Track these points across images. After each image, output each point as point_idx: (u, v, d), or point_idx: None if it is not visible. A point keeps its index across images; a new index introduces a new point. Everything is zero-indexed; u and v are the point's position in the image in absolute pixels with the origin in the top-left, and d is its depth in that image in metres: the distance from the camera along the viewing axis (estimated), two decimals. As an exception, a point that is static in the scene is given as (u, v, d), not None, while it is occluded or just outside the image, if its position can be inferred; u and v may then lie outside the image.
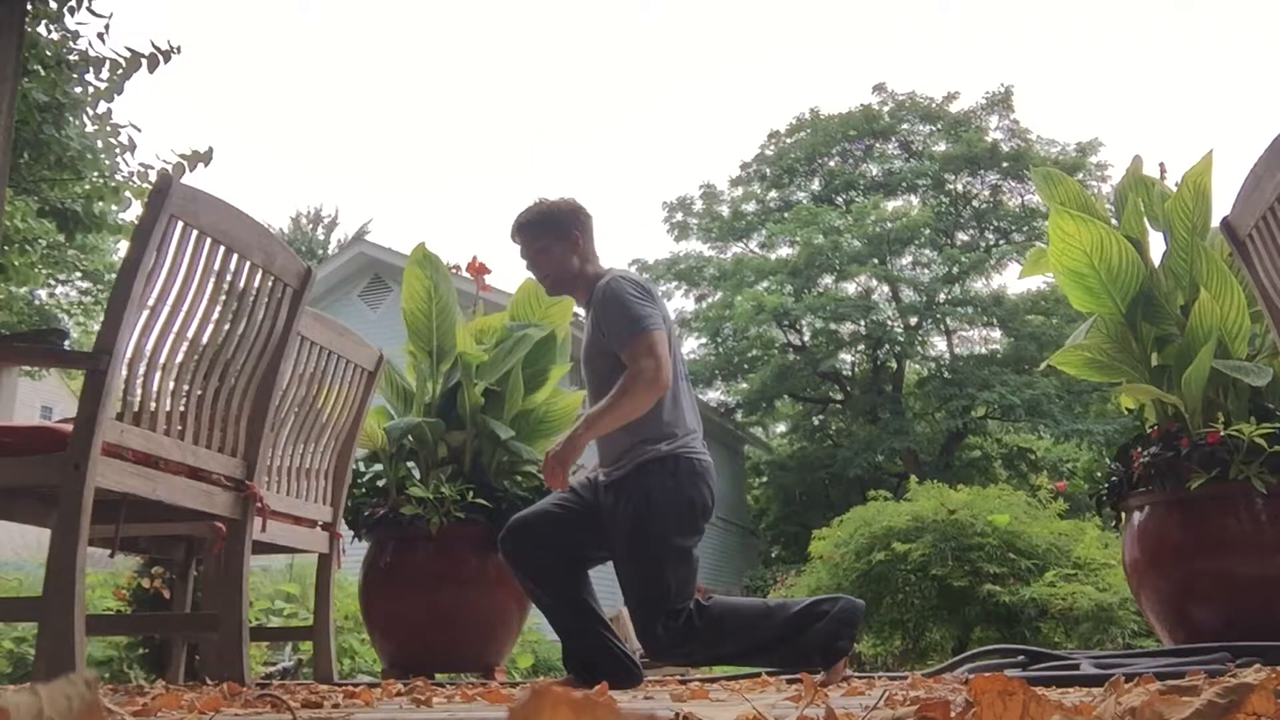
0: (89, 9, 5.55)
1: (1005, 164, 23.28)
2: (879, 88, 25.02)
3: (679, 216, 24.80)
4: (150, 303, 2.18)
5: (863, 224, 22.32)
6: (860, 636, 7.61)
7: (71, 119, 5.85)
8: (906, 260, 23.55)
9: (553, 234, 2.82)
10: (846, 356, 24.22)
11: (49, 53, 5.61)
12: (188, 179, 4.72)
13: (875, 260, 22.14)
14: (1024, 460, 22.74)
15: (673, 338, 2.75)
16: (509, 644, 3.93)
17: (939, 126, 24.43)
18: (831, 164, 24.67)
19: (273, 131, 60.09)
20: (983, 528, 7.19)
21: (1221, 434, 3.02)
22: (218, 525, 2.57)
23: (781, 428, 26.54)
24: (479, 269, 4.48)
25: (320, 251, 31.25)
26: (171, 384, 2.30)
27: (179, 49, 5.65)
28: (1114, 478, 3.38)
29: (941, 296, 22.67)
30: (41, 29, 5.55)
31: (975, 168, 23.65)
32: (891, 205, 23.48)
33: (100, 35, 5.66)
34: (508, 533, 2.77)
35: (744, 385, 23.77)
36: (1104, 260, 3.27)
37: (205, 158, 5.78)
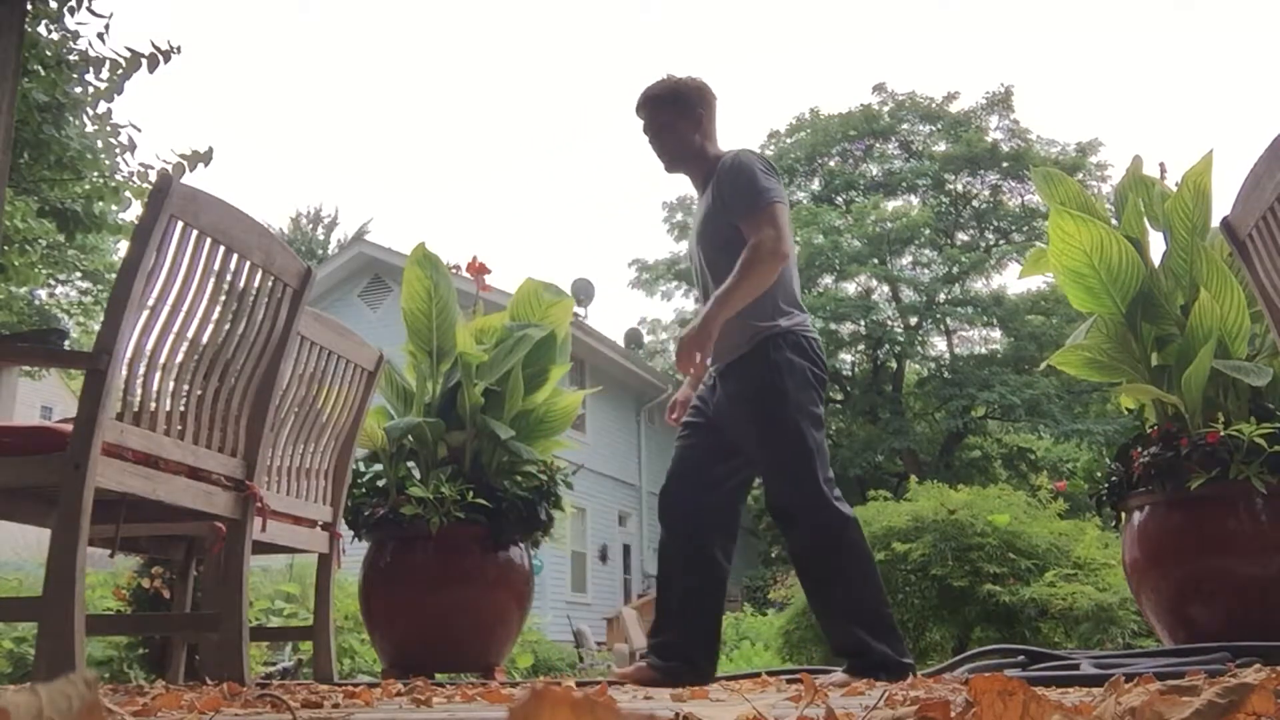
0: (89, 9, 5.55)
1: (1005, 164, 23.29)
2: (879, 88, 25.05)
3: (679, 216, 24.81)
4: (150, 303, 2.18)
5: (863, 224, 22.33)
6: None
7: (71, 119, 5.85)
8: (906, 260, 23.57)
9: (679, 109, 2.84)
10: (846, 356, 24.24)
11: (49, 53, 5.61)
12: (188, 179, 4.72)
13: (875, 260, 22.15)
14: (1024, 460, 22.75)
15: (788, 217, 2.76)
16: (509, 644, 3.93)
17: (939, 126, 24.44)
18: (831, 164, 24.68)
19: (273, 131, 60.10)
20: (983, 528, 7.18)
21: (1221, 434, 3.01)
22: (218, 525, 2.57)
23: (781, 428, 26.51)
24: (479, 269, 4.48)
25: (320, 251, 31.25)
26: (171, 384, 2.30)
27: (179, 49, 5.65)
28: (1114, 478, 3.38)
29: (941, 296, 22.68)
30: (41, 29, 5.55)
31: (975, 168, 23.66)
32: (891, 205, 23.50)
33: (100, 35, 5.67)
34: (663, 493, 2.79)
35: (744, 385, 23.73)
36: (1104, 260, 3.27)
37: (205, 158, 5.78)
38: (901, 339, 22.48)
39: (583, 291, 19.49)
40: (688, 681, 2.50)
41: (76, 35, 5.69)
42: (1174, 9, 51.27)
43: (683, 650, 2.68)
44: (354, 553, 3.80)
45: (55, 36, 5.66)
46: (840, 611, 2.61)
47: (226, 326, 2.42)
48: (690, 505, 2.76)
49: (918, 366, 24.30)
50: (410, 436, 3.88)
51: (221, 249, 2.33)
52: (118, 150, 6.13)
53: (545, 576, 14.78)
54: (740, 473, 2.81)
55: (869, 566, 2.62)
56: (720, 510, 2.78)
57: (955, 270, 22.66)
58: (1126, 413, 3.68)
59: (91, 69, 5.73)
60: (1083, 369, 3.47)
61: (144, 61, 5.62)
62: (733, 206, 2.68)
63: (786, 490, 2.62)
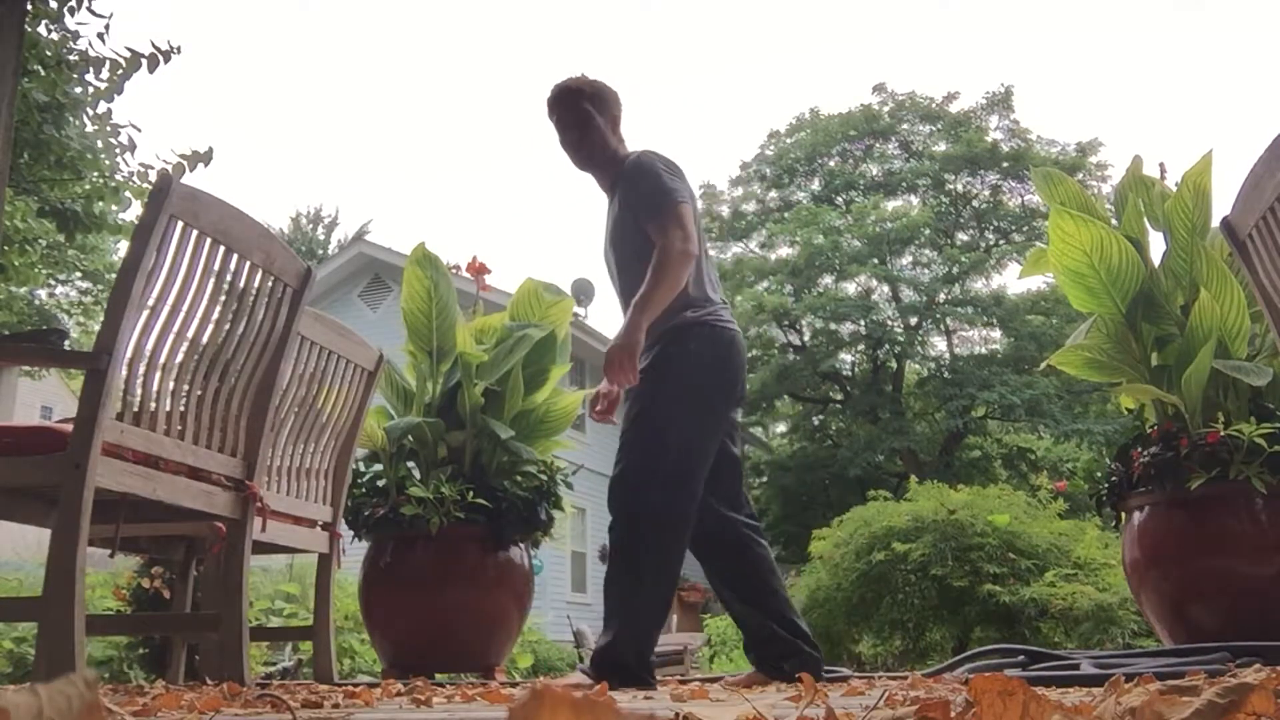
0: (89, 9, 5.55)
1: (1005, 164, 23.29)
2: (879, 88, 25.05)
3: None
4: (150, 303, 2.18)
5: (863, 224, 22.33)
6: (860, 637, 7.61)
7: (71, 119, 5.85)
8: (906, 260, 23.57)
9: (598, 106, 2.79)
10: (846, 356, 24.24)
11: (49, 53, 5.61)
12: (188, 179, 4.73)
13: (875, 260, 22.15)
14: (1024, 460, 22.75)
15: (696, 214, 2.73)
16: (509, 644, 3.93)
17: (939, 126, 24.44)
18: (831, 164, 24.68)
19: (273, 131, 60.11)
20: (983, 528, 7.19)
21: (1221, 434, 3.01)
22: (218, 525, 2.57)
23: (781, 428, 26.55)
24: (479, 269, 4.48)
25: (320, 251, 31.25)
26: (171, 384, 2.30)
27: (179, 49, 5.65)
28: (1114, 478, 3.38)
29: (941, 296, 22.68)
30: (41, 29, 5.55)
31: (975, 168, 23.66)
32: (891, 205, 23.50)
33: (100, 35, 5.67)
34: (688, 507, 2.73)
35: (744, 385, 23.72)
36: (1104, 260, 3.27)
37: (205, 158, 5.78)
38: (901, 339, 22.48)
39: (583, 291, 19.48)
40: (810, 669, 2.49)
41: (76, 35, 5.70)
42: (1174, 9, 51.28)
43: (777, 646, 2.66)
44: (354, 553, 3.80)
45: (55, 36, 5.66)
46: (612, 604, 2.57)
47: (226, 326, 2.42)
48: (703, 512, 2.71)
49: (918, 366, 24.30)
50: (410, 436, 3.88)
51: (222, 249, 2.33)
52: (118, 150, 6.13)
53: (545, 576, 14.77)
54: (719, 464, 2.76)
55: (659, 585, 2.56)
56: (722, 506, 2.75)
57: (955, 270, 22.66)
58: (1126, 413, 3.68)
59: (91, 69, 5.73)
60: (1083, 369, 3.47)
61: (144, 61, 5.62)
62: (637, 210, 2.65)
63: (630, 468, 2.58)
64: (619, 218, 2.73)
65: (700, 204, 23.80)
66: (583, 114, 2.77)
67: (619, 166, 2.78)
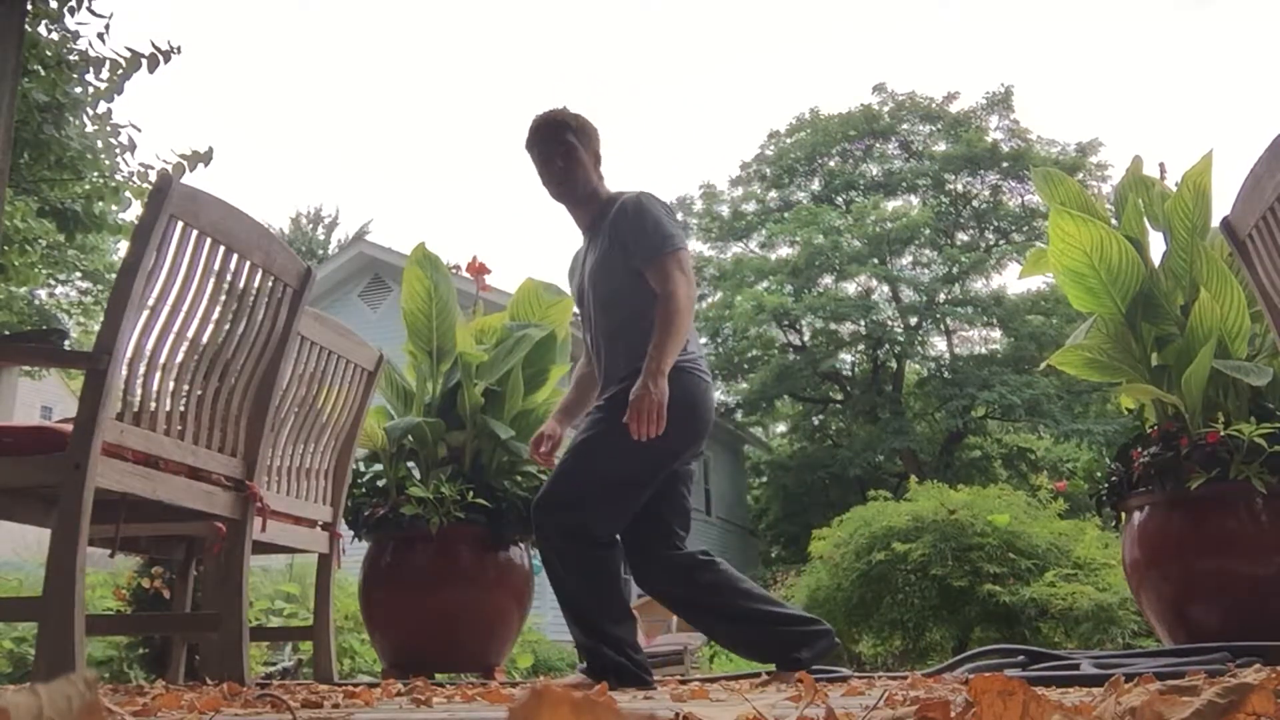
0: (89, 9, 5.55)
1: (1005, 164, 23.30)
2: (879, 88, 25.06)
3: (679, 216, 24.75)
4: (150, 303, 2.18)
5: (863, 224, 22.34)
6: (860, 637, 7.61)
7: (71, 119, 5.85)
8: (906, 260, 23.58)
9: (582, 139, 2.77)
10: (846, 356, 24.25)
11: (49, 53, 5.61)
12: (188, 179, 4.72)
13: (875, 260, 22.16)
14: (1024, 460, 22.76)
15: None
16: (509, 644, 3.93)
17: (939, 126, 24.45)
18: (831, 164, 24.69)
19: (273, 131, 60.11)
20: (983, 528, 7.19)
21: (1221, 434, 3.01)
22: (218, 525, 2.57)
23: (781, 428, 26.56)
24: (479, 269, 4.48)
25: (320, 251, 31.25)
26: (171, 384, 2.30)
27: (179, 49, 5.65)
28: (1114, 478, 3.38)
29: (941, 296, 22.68)
30: (41, 29, 5.55)
31: (975, 168, 23.67)
32: (891, 205, 23.51)
33: (100, 35, 5.66)
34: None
35: (744, 385, 23.79)
36: (1104, 260, 3.27)
37: (205, 158, 5.78)
38: (901, 339, 22.49)
39: (583, 291, 19.40)
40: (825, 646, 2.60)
41: (76, 35, 5.69)
42: (1174, 9, 51.31)
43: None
44: (354, 553, 3.80)
45: (55, 36, 5.65)
46: (575, 624, 2.61)
47: (226, 326, 2.42)
48: (640, 551, 2.75)
49: (918, 366, 24.31)
50: (410, 436, 3.88)
51: (221, 249, 2.33)
52: (118, 150, 6.13)
53: (545, 576, 14.75)
54: (669, 503, 2.78)
55: (600, 592, 2.59)
56: (658, 532, 2.76)
57: (955, 270, 22.67)
58: (1126, 413, 3.69)
59: (91, 69, 5.73)
60: (1083, 369, 3.47)
61: (144, 61, 5.62)
62: (635, 252, 2.63)
63: (558, 489, 2.59)
64: (606, 255, 2.70)
65: (700, 204, 23.60)
66: (568, 145, 2.74)
67: (602, 204, 2.77)
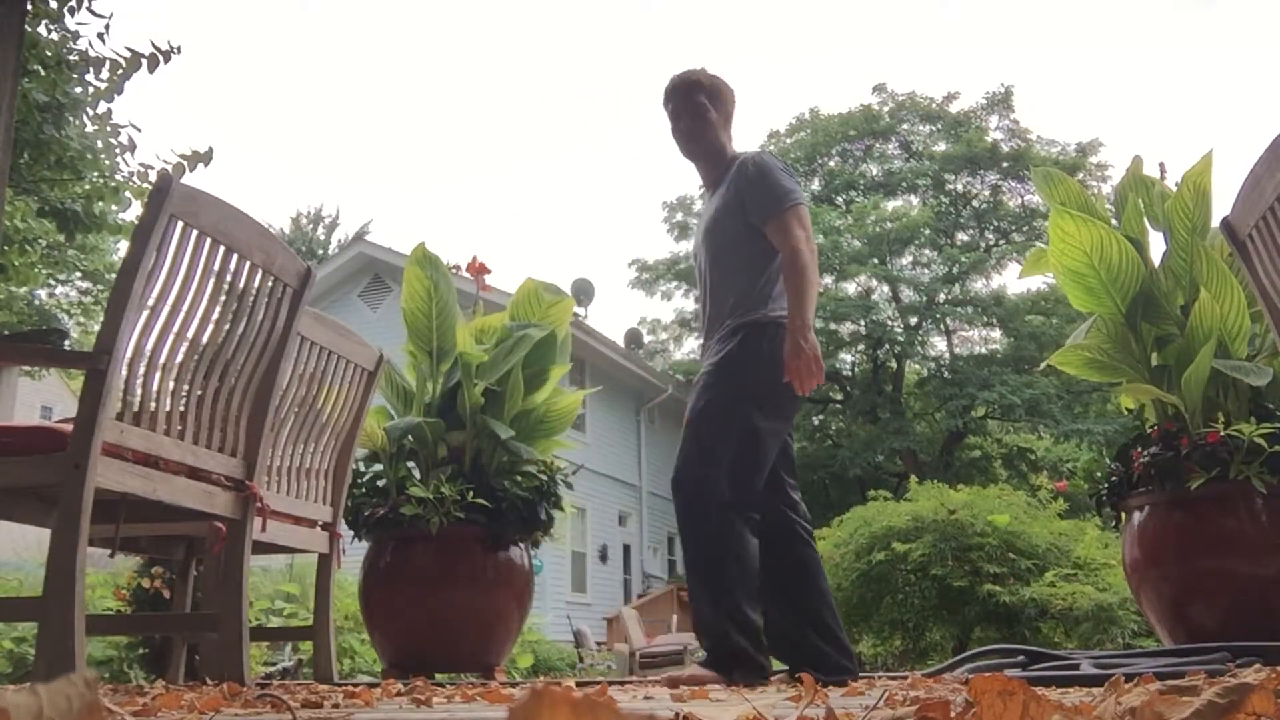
0: (89, 9, 5.55)
1: (1005, 164, 23.30)
2: (879, 88, 25.06)
3: (679, 216, 24.81)
4: (150, 303, 2.18)
5: (863, 224, 22.34)
6: (860, 637, 7.61)
7: (71, 119, 5.85)
8: (906, 260, 23.58)
9: (714, 99, 2.88)
10: (846, 356, 24.25)
11: (49, 53, 5.61)
12: (188, 179, 4.72)
13: (875, 260, 22.16)
14: (1024, 460, 22.76)
15: None
16: (509, 644, 3.93)
17: (939, 126, 24.45)
18: (831, 164, 24.68)
19: (273, 131, 60.10)
20: (983, 528, 7.19)
21: (1221, 434, 3.01)
22: (218, 525, 2.57)
23: (781, 427, 26.50)
24: (479, 269, 4.48)
25: (320, 251, 31.25)
26: (171, 384, 2.30)
27: (179, 49, 5.65)
28: (1114, 478, 3.38)
29: (941, 296, 22.68)
30: (41, 29, 5.55)
31: (975, 168, 23.67)
32: (891, 205, 23.51)
33: (100, 35, 5.66)
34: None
35: (744, 385, 23.72)
36: (1104, 260, 3.27)
37: (205, 158, 5.78)
38: (901, 339, 22.49)
39: (583, 291, 19.47)
40: (844, 674, 2.55)
41: (76, 35, 5.69)
42: (1175, 9, 51.31)
43: (806, 650, 2.67)
44: (354, 553, 3.80)
45: (55, 36, 5.65)
46: (708, 598, 2.58)
47: (226, 326, 2.42)
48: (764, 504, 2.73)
49: (918, 366, 24.31)
50: (410, 436, 3.88)
51: (221, 249, 2.33)
52: (118, 150, 6.13)
53: (545, 576, 14.78)
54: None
55: (741, 559, 2.58)
56: (777, 503, 2.75)
57: (955, 270, 22.67)
58: (1126, 413, 3.68)
59: (91, 69, 5.73)
60: (1083, 369, 3.47)
61: (144, 61, 5.62)
62: (754, 209, 2.71)
63: (691, 458, 2.61)
64: (723, 210, 2.79)
65: (700, 204, 23.69)
66: (698, 105, 2.86)
67: (727, 161, 2.85)
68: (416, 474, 3.92)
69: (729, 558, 2.56)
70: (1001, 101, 24.02)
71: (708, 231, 2.86)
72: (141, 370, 2.19)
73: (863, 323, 22.52)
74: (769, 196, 2.68)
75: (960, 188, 24.23)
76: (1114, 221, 3.50)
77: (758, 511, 2.62)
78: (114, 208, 6.39)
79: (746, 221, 2.71)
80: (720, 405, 2.63)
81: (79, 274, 10.52)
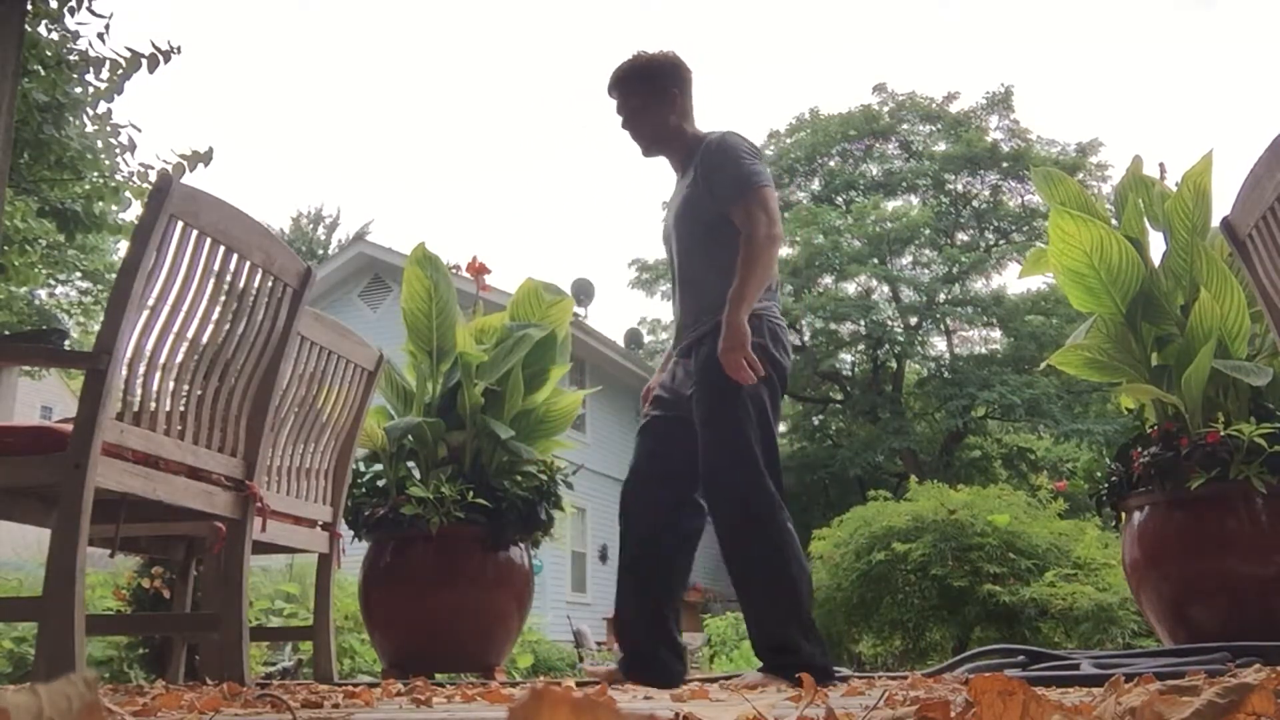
0: (89, 9, 5.55)
1: (1005, 164, 23.29)
2: (879, 88, 25.05)
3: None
4: (150, 303, 2.18)
5: (863, 224, 22.34)
6: (860, 637, 7.61)
7: (71, 119, 5.85)
8: (906, 260, 23.57)
9: (652, 89, 2.72)
10: (846, 356, 24.25)
11: (49, 53, 5.61)
12: (188, 179, 4.72)
13: (875, 260, 22.15)
14: (1024, 460, 22.76)
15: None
16: (509, 644, 3.93)
17: (939, 126, 24.44)
18: (831, 164, 24.68)
19: (273, 131, 60.10)
20: (983, 528, 7.19)
21: (1221, 434, 3.01)
22: (218, 525, 2.57)
23: (781, 428, 26.51)
24: (479, 269, 4.48)
25: (320, 251, 31.25)
26: (171, 384, 2.30)
27: (179, 49, 5.65)
28: (1114, 478, 3.38)
29: (941, 296, 22.68)
30: (41, 29, 5.55)
31: (975, 168, 23.66)
32: (891, 205, 23.50)
33: (100, 35, 5.67)
34: (623, 491, 2.74)
35: (744, 385, 23.72)
36: (1104, 260, 3.27)
37: (205, 158, 5.78)
38: (901, 339, 22.49)
39: (583, 291, 19.46)
40: (662, 685, 2.46)
41: (76, 35, 5.69)
42: (1175, 9, 51.32)
43: (650, 656, 2.64)
44: (354, 553, 3.80)
45: (55, 36, 5.65)
46: (768, 603, 2.49)
47: (226, 326, 2.42)
48: (649, 502, 2.69)
49: (918, 366, 24.30)
50: (410, 436, 3.88)
51: (221, 249, 2.33)
52: (118, 150, 6.13)
53: (545, 576, 14.77)
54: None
55: (800, 559, 2.52)
56: (681, 506, 2.70)
57: (955, 270, 22.67)
58: (1126, 413, 3.68)
59: (91, 69, 5.73)
60: (1083, 369, 3.47)
61: (144, 61, 5.62)
62: (718, 191, 2.59)
63: (722, 466, 2.52)
64: (690, 194, 2.67)
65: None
66: (638, 97, 2.71)
67: (690, 143, 2.72)
68: (416, 474, 3.92)
69: (792, 563, 2.48)
70: (1001, 101, 24.01)
71: (678, 219, 2.73)
72: (141, 370, 2.19)
73: (863, 323, 22.51)
74: (733, 179, 2.57)
75: (960, 188, 24.22)
76: (1114, 221, 3.50)
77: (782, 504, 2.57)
78: (114, 208, 6.39)
79: (713, 207, 2.60)
80: (735, 404, 2.52)
81: (79, 274, 10.52)
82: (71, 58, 5.70)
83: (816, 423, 24.56)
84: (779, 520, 2.49)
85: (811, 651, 2.45)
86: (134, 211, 6.40)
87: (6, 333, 8.04)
